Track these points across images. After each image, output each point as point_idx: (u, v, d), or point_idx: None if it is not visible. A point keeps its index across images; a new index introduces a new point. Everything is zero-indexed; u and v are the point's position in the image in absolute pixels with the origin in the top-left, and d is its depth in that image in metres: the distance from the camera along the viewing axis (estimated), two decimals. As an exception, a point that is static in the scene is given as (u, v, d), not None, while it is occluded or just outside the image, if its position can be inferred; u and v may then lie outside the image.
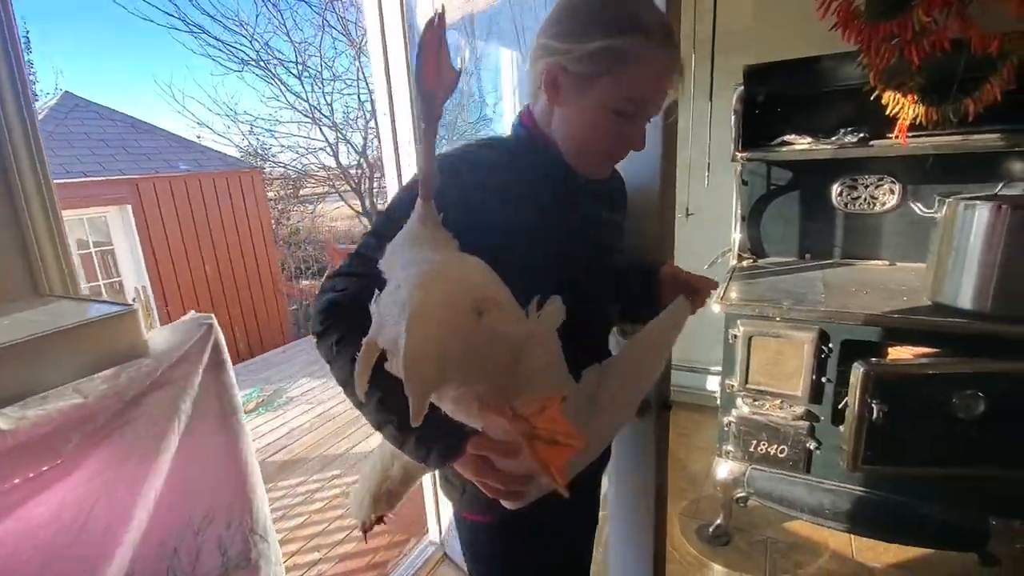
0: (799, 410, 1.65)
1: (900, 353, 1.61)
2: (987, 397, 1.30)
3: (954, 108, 1.39)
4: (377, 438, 0.79)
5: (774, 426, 1.69)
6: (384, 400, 0.60)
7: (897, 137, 1.53)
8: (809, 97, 1.89)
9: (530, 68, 0.73)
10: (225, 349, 0.84)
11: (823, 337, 1.56)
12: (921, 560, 1.72)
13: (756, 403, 1.72)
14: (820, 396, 1.61)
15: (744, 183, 2.17)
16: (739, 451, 1.77)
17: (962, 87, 1.38)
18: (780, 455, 1.71)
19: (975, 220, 1.39)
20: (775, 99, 1.90)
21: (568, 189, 0.76)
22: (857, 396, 1.35)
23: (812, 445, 1.65)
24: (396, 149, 1.71)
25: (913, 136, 1.56)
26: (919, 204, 1.59)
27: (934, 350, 1.48)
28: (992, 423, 1.31)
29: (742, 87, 1.84)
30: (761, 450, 1.73)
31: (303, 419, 3.67)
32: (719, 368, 1.81)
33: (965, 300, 1.43)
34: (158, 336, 0.81)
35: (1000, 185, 1.43)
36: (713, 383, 2.74)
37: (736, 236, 2.22)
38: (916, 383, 1.33)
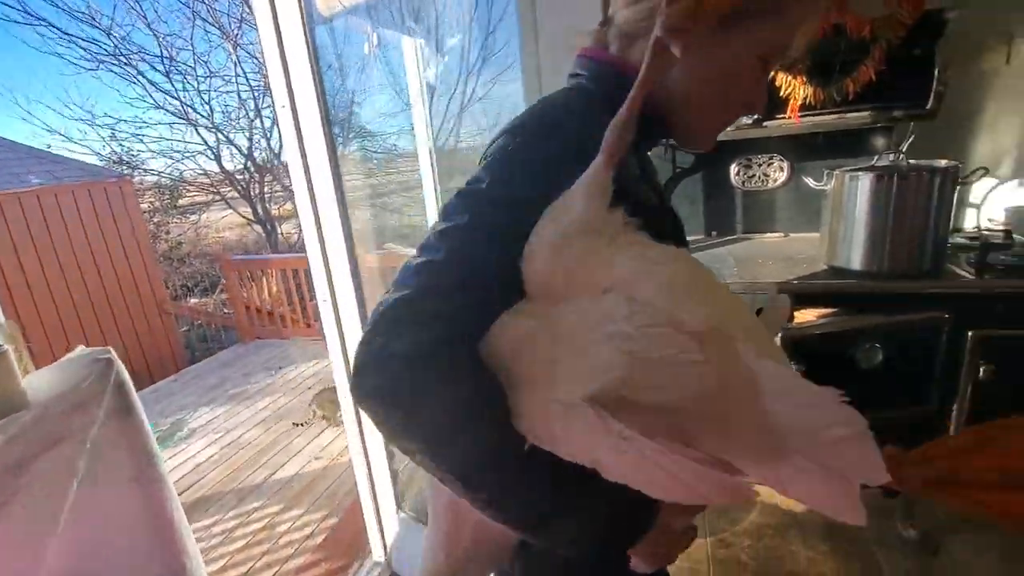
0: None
1: (805, 315, 1.77)
2: (884, 347, 1.46)
3: (836, 88, 1.54)
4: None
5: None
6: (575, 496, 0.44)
7: (790, 117, 1.66)
8: None
9: (625, 10, 0.55)
10: (131, 388, 0.69)
11: (741, 308, 1.66)
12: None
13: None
14: (742, 363, 1.72)
15: (653, 167, 2.26)
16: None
17: (843, 69, 1.52)
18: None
19: (859, 190, 1.54)
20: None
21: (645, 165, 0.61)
22: (779, 359, 1.45)
23: (739, 409, 1.76)
24: (300, 143, 1.57)
25: (802, 115, 1.70)
26: (809, 178, 1.73)
27: (834, 309, 1.64)
28: (888, 370, 1.47)
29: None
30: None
31: (210, 451, 3.33)
32: None
33: (856, 262, 1.59)
34: (38, 380, 0.65)
35: (876, 157, 1.60)
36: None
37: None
38: (827, 341, 1.45)
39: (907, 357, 1.45)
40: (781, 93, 1.61)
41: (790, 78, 1.58)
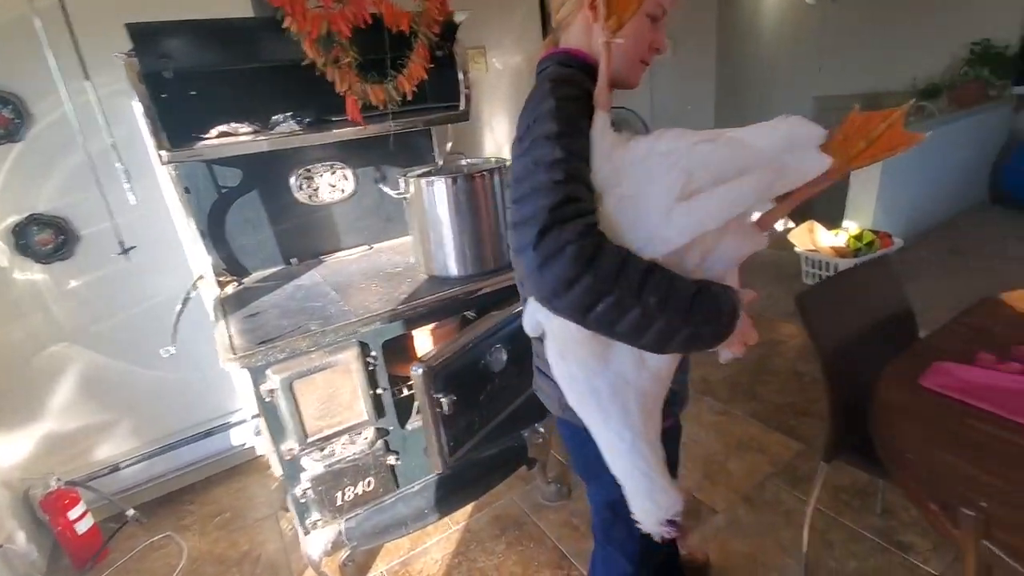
0: (370, 434, 1.46)
1: (418, 333, 1.65)
2: (504, 344, 1.48)
3: (393, 86, 1.40)
4: None
5: (353, 465, 1.46)
6: (685, 301, 0.66)
7: (351, 119, 1.43)
8: (238, 75, 1.53)
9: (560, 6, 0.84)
10: None
11: (364, 348, 1.39)
12: (493, 494, 1.96)
13: (325, 452, 1.42)
14: (383, 408, 1.47)
15: (187, 191, 1.65)
16: (327, 514, 1.46)
17: (395, 65, 1.39)
18: (369, 488, 1.50)
19: (436, 195, 1.48)
20: (189, 77, 1.44)
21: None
22: (426, 399, 1.27)
23: (392, 459, 1.52)
24: None
25: (366, 116, 1.49)
26: (384, 186, 1.58)
27: (441, 321, 1.58)
28: (514, 362, 1.51)
29: (135, 57, 1.28)
30: (349, 497, 1.48)
31: None
32: (241, 415, 1.37)
33: (454, 268, 1.55)
34: None
35: (439, 158, 1.57)
36: (240, 435, 2.23)
37: (203, 259, 1.71)
38: (461, 358, 1.36)
39: (519, 346, 1.52)
40: (339, 90, 1.35)
41: (344, 74, 1.34)
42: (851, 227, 3.34)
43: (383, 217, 2.02)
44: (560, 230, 0.63)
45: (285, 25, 1.21)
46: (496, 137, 2.70)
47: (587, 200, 0.68)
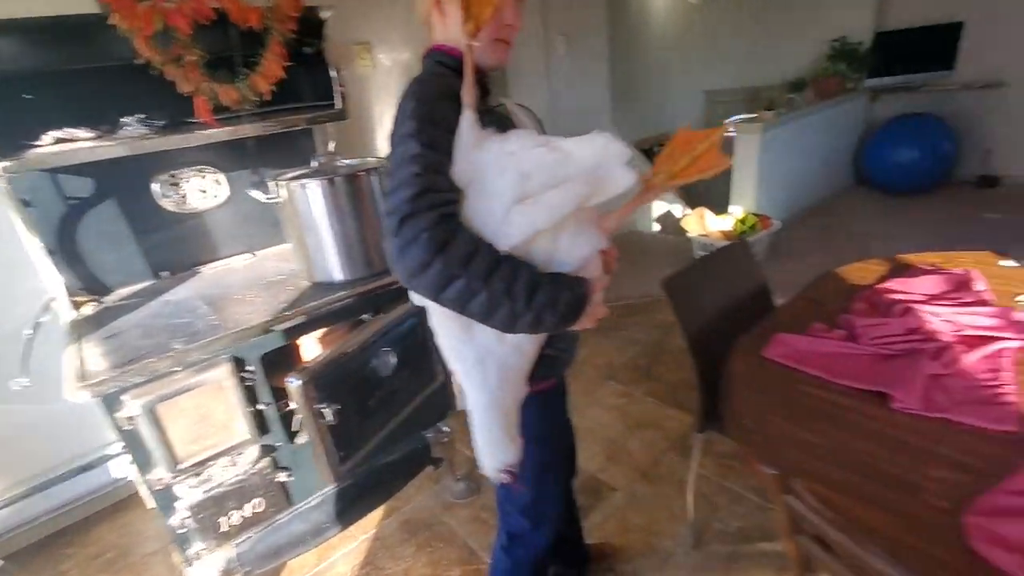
0: (254, 452, 1.39)
1: (307, 342, 1.59)
2: (392, 347, 1.46)
3: (247, 86, 1.32)
4: None
5: (237, 487, 1.38)
6: (531, 289, 0.73)
7: (204, 121, 1.33)
8: (81, 76, 1.38)
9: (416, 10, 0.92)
10: None
11: (239, 364, 1.32)
12: (401, 498, 1.93)
13: (202, 478, 1.33)
14: (266, 424, 1.40)
15: (26, 204, 1.48)
16: (212, 541, 1.37)
17: (247, 64, 1.31)
18: (259, 509, 1.43)
19: (311, 198, 1.43)
20: (21, 79, 1.29)
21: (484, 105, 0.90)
22: (307, 411, 1.22)
23: (283, 476, 1.45)
24: None
25: (223, 119, 1.41)
26: (256, 191, 1.50)
27: (331, 327, 1.53)
28: (403, 366, 1.50)
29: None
30: (236, 521, 1.40)
31: None
32: (116, 447, 1.27)
33: (338, 272, 1.50)
34: None
35: (314, 160, 1.51)
36: (122, 467, 2.04)
37: (54, 279, 1.55)
38: (343, 366, 1.32)
39: (410, 347, 1.51)
40: (184, 91, 1.26)
41: (187, 74, 1.24)
42: (737, 212, 3.60)
43: (268, 222, 1.92)
44: (417, 219, 0.70)
45: (112, 22, 1.11)
46: (388, 135, 2.64)
47: (446, 191, 0.74)
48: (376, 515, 1.86)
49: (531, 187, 0.73)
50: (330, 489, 1.58)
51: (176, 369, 1.24)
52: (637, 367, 2.58)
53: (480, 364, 0.83)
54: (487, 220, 0.74)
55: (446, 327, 0.83)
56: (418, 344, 1.55)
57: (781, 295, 1.55)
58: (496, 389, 0.85)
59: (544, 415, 1.04)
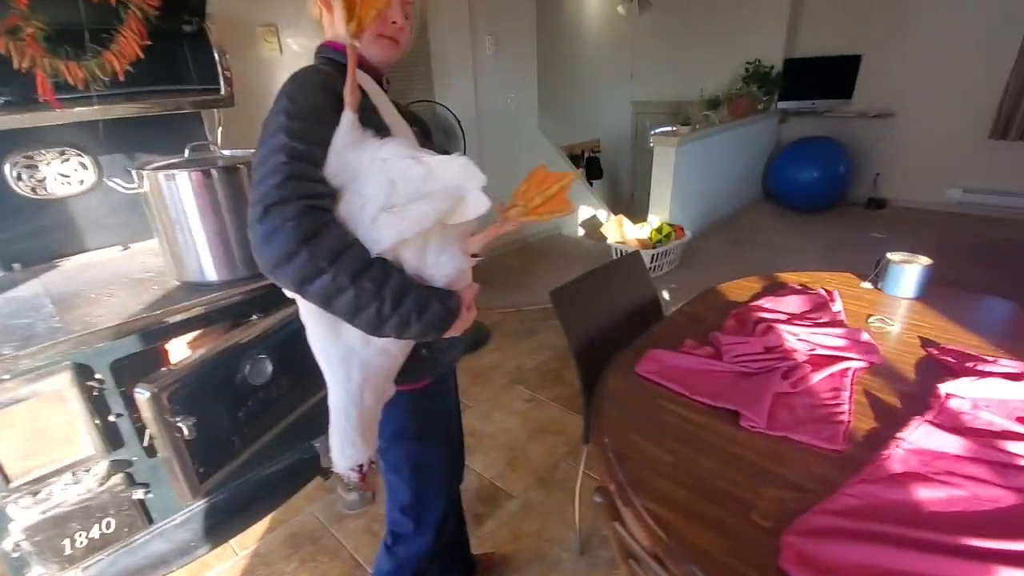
0: (102, 469, 1.26)
1: (173, 345, 1.47)
2: (269, 354, 1.37)
3: (98, 64, 1.18)
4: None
5: (83, 506, 1.25)
6: (399, 294, 0.74)
7: (45, 100, 1.19)
8: None
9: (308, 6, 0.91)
10: None
11: (85, 372, 1.19)
12: (290, 509, 1.84)
13: (39, 497, 1.19)
14: (119, 437, 1.28)
15: None
16: (54, 566, 1.23)
17: (98, 40, 1.17)
18: (109, 530, 1.30)
19: (180, 190, 1.31)
20: None
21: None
22: (159, 425, 1.12)
23: (140, 493, 1.33)
24: None
25: (72, 98, 1.26)
26: (117, 179, 1.36)
27: (204, 331, 1.42)
28: (283, 373, 1.41)
29: None
30: (81, 543, 1.26)
31: None
32: None
33: (212, 272, 1.39)
34: None
35: (187, 147, 1.40)
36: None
37: None
38: (204, 375, 1.22)
39: (292, 354, 1.42)
40: (16, 66, 1.11)
41: (24, 48, 1.09)
42: (654, 221, 3.73)
43: (143, 213, 1.75)
44: (283, 207, 0.68)
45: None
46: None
47: (316, 182, 0.72)
48: (260, 529, 1.76)
49: (397, 197, 0.73)
50: (200, 505, 1.46)
51: (5, 377, 1.10)
52: (548, 371, 2.60)
53: (344, 363, 0.83)
54: (358, 223, 0.73)
55: (313, 323, 0.82)
56: (302, 350, 1.46)
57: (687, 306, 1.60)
58: (357, 389, 0.84)
59: (419, 414, 1.04)
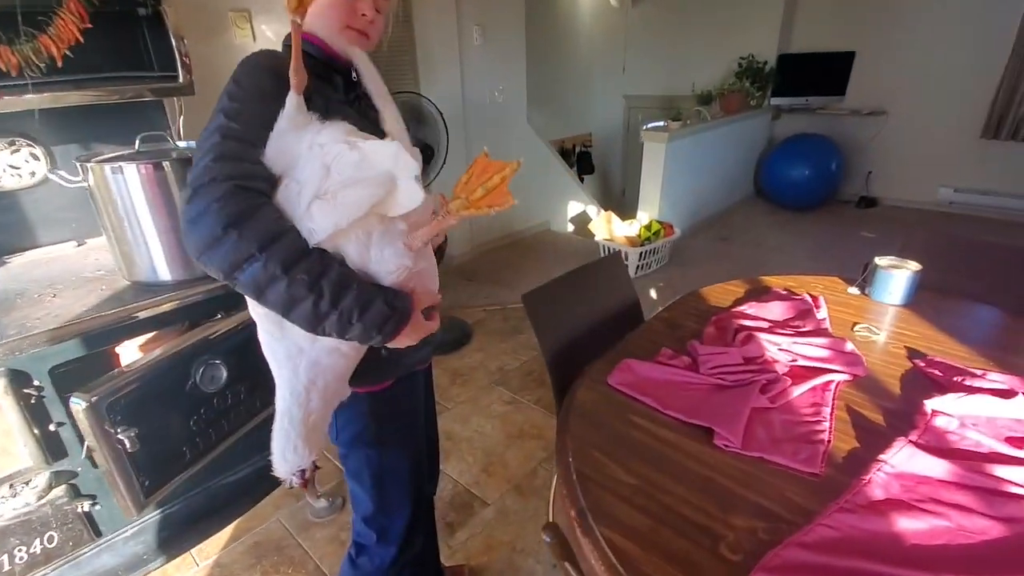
0: (42, 480, 1.19)
1: (126, 349, 1.39)
2: (224, 359, 1.30)
3: (33, 49, 1.10)
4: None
5: (21, 520, 1.17)
6: (339, 288, 0.68)
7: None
8: None
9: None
10: None
11: (21, 379, 1.11)
12: (256, 517, 1.77)
13: (-31, 512, 1.12)
14: (62, 447, 1.20)
15: None
16: (-17, 585, 1.16)
17: (35, 23, 1.09)
18: (51, 544, 1.23)
19: (129, 184, 1.23)
20: None
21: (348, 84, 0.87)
22: (96, 436, 1.04)
23: (86, 506, 1.26)
24: None
25: (9, 86, 1.17)
26: (62, 172, 1.28)
27: (153, 334, 1.35)
28: (239, 379, 1.34)
29: None
30: (21, 559, 1.19)
31: None
32: None
33: (165, 272, 1.32)
34: None
35: (138, 138, 1.31)
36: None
37: None
38: (148, 383, 1.15)
39: (248, 359, 1.35)
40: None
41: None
42: (643, 218, 3.66)
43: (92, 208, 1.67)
44: (211, 188, 0.64)
45: None
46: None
47: (249, 163, 0.68)
48: (223, 537, 1.69)
49: (331, 183, 0.68)
50: (153, 516, 1.39)
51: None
52: (531, 372, 2.54)
53: (290, 360, 0.79)
54: (295, 211, 0.69)
55: (262, 320, 0.78)
56: (259, 359, 1.39)
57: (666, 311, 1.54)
58: (303, 389, 0.80)
59: (379, 418, 0.98)
